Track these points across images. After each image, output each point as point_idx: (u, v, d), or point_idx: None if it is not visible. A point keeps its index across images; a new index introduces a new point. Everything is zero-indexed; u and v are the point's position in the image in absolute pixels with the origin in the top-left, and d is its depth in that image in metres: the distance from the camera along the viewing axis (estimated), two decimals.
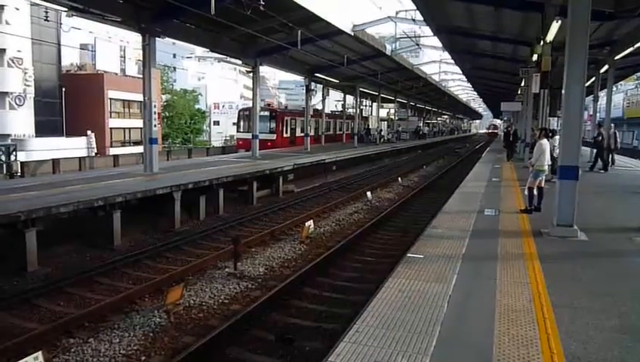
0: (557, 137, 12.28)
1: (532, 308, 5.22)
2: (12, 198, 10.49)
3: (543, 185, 10.57)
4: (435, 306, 5.23)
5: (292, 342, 6.38)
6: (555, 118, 25.40)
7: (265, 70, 29.70)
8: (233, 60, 22.97)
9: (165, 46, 32.18)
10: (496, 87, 39.84)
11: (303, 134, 30.52)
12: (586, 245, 8.03)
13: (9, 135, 33.48)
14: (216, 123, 68.98)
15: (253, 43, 20.09)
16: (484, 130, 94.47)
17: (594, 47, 15.99)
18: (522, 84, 25.81)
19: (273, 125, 30.94)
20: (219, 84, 75.82)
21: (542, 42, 14.42)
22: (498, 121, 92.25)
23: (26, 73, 35.46)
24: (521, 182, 14.58)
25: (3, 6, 32.87)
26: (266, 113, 30.63)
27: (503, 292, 5.69)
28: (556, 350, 4.32)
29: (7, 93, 34.65)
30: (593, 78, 21.48)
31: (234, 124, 38.35)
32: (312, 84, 29.86)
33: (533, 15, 14.53)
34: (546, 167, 10.54)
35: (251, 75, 22.77)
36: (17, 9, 33.29)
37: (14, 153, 24.27)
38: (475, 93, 60.88)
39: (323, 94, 35.11)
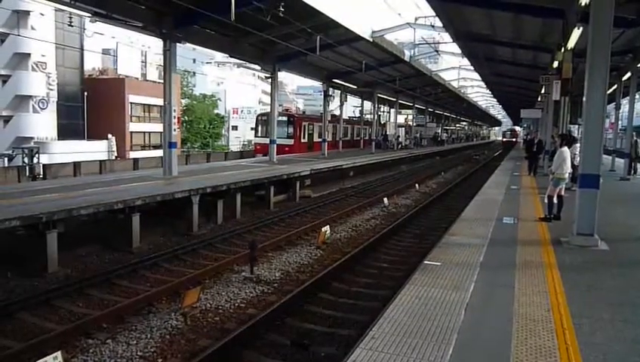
0: (577, 145, 12.11)
1: (551, 318, 5.14)
2: (34, 200, 10.69)
3: (563, 193, 10.43)
4: (452, 314, 5.18)
5: (307, 348, 6.37)
6: (576, 126, 25.04)
7: (283, 76, 29.91)
8: (252, 66, 23.13)
9: (185, 51, 32.61)
10: (516, 93, 39.48)
11: (320, 140, 30.57)
12: (607, 254, 7.89)
13: (32, 138, 34.22)
14: (235, 128, 69.44)
15: (272, 49, 20.23)
16: (505, 138, 74.19)
17: (616, 54, 15.72)
18: (542, 91, 25.51)
19: (291, 130, 31.06)
20: (238, 90, 76.43)
21: (563, 49, 14.26)
22: (518, 128, 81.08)
23: (49, 77, 36.26)
24: (540, 190, 14.41)
25: (29, 12, 33.66)
26: (284, 118, 30.77)
27: (522, 301, 5.62)
28: (575, 360, 4.25)
29: (30, 96, 35.45)
30: (615, 86, 21.15)
31: (252, 128, 38.64)
32: (330, 89, 29.91)
33: (553, 21, 14.39)
34: (567, 176, 10.40)
35: (270, 80, 22.92)
36: (42, 14, 34.05)
37: (37, 156, 24.81)
38: (495, 99, 60.37)
39: (341, 100, 35.14)
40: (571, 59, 14.35)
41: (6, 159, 29.60)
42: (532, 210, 11.63)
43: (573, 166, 10.99)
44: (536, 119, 33.48)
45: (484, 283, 6.23)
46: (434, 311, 5.27)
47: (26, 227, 9.20)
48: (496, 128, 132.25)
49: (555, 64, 16.28)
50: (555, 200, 10.30)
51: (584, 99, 8.25)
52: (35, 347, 6.11)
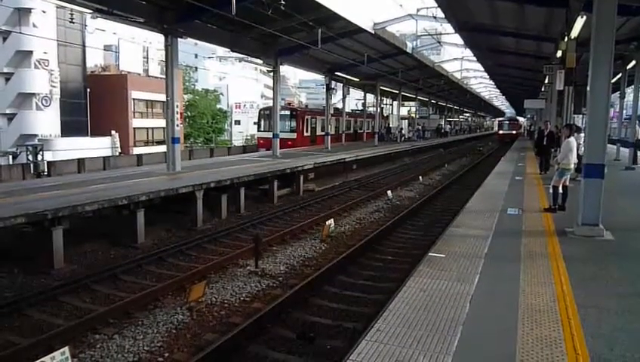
0: (582, 134, 12.05)
1: (556, 309, 5.14)
2: (39, 197, 10.74)
3: (567, 183, 10.39)
4: (457, 306, 5.19)
5: (313, 341, 6.40)
6: (580, 116, 24.92)
7: (285, 69, 29.78)
8: (254, 60, 23.09)
9: (187, 46, 32.49)
10: (520, 84, 39.27)
11: (323, 133, 30.54)
12: (613, 245, 7.87)
13: (36, 135, 34.31)
14: (238, 122, 69.36)
15: (274, 42, 20.17)
16: (502, 130, 55.49)
17: (620, 42, 15.56)
18: (546, 81, 25.37)
19: (294, 124, 31.04)
20: (240, 84, 76.25)
21: (566, 38, 14.15)
22: (521, 119, 70.06)
23: (52, 74, 36.25)
24: (544, 181, 14.36)
25: (30, 9, 33.64)
26: (287, 112, 30.73)
27: (527, 292, 5.62)
28: (581, 351, 4.25)
29: (34, 94, 35.50)
30: (620, 74, 21.00)
31: (255, 123, 38.58)
32: (333, 82, 29.83)
33: (557, 11, 14.27)
34: (572, 166, 10.36)
35: (272, 74, 22.87)
36: (44, 12, 34.03)
37: (41, 153, 24.91)
38: (498, 90, 60.06)
39: (343, 93, 35.05)
40: (575, 48, 14.25)
41: (10, 157, 29.70)
42: (537, 201, 11.60)
43: (577, 156, 10.95)
44: (540, 109, 33.34)
45: (489, 274, 6.23)
46: (439, 303, 5.28)
47: (31, 224, 9.24)
48: (500, 119, 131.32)
49: (559, 54, 16.16)
50: (560, 190, 10.27)
51: (588, 88, 8.19)
52: (43, 342, 6.16)
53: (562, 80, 16.04)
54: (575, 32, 13.09)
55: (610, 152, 19.97)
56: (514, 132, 52.75)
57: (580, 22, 12.05)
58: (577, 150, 10.86)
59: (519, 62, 27.11)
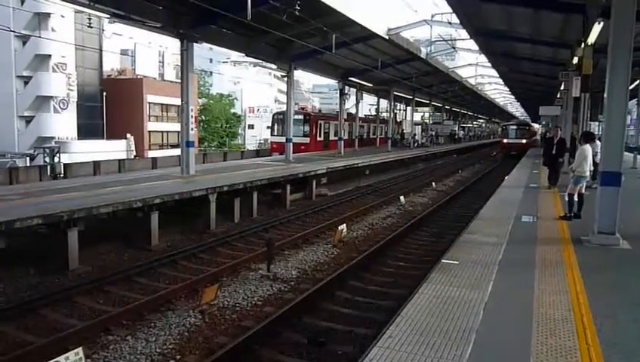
0: (598, 142, 11.92)
1: (571, 318, 5.07)
2: (55, 199, 10.87)
3: (583, 191, 10.27)
4: (471, 313, 5.14)
5: (324, 346, 6.38)
6: (597, 123, 24.64)
7: (299, 74, 29.82)
8: (268, 65, 23.20)
9: (202, 51, 32.80)
10: (535, 90, 38.90)
11: (336, 138, 30.56)
12: (629, 254, 7.75)
13: (53, 137, 34.83)
14: (251, 126, 69.71)
15: (288, 47, 20.26)
16: (507, 139, 42.33)
17: (638, 49, 15.42)
18: (562, 87, 25.12)
19: (307, 129, 31.08)
20: (254, 89, 76.65)
21: (583, 45, 14.02)
22: (536, 125, 63.86)
23: (69, 78, 36.84)
24: (560, 188, 14.20)
25: (49, 14, 34.21)
26: (300, 117, 30.79)
27: (541, 301, 5.55)
28: (597, 361, 4.19)
29: (51, 97, 36.06)
30: (637, 81, 20.72)
31: (268, 127, 38.71)
32: (346, 87, 29.86)
33: (573, 17, 14.15)
34: (588, 173, 10.24)
35: (286, 79, 22.96)
36: (63, 16, 34.59)
37: (58, 155, 25.26)
38: (513, 96, 59.57)
39: (357, 98, 35.03)
40: (591, 55, 14.11)
41: (28, 158, 30.20)
42: (552, 209, 11.47)
43: (594, 163, 10.82)
44: (555, 116, 33.00)
45: (503, 282, 6.17)
46: (452, 310, 5.24)
47: (47, 225, 9.35)
48: (505, 123, 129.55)
49: (575, 60, 16.00)
50: (575, 198, 10.15)
51: (605, 95, 8.10)
52: (57, 342, 6.23)
53: (578, 87, 15.87)
54: (592, 38, 12.96)
55: (627, 160, 19.71)
56: (524, 141, 40.41)
57: (597, 28, 11.93)
58: (594, 157, 10.75)
59: (534, 69, 26.88)
